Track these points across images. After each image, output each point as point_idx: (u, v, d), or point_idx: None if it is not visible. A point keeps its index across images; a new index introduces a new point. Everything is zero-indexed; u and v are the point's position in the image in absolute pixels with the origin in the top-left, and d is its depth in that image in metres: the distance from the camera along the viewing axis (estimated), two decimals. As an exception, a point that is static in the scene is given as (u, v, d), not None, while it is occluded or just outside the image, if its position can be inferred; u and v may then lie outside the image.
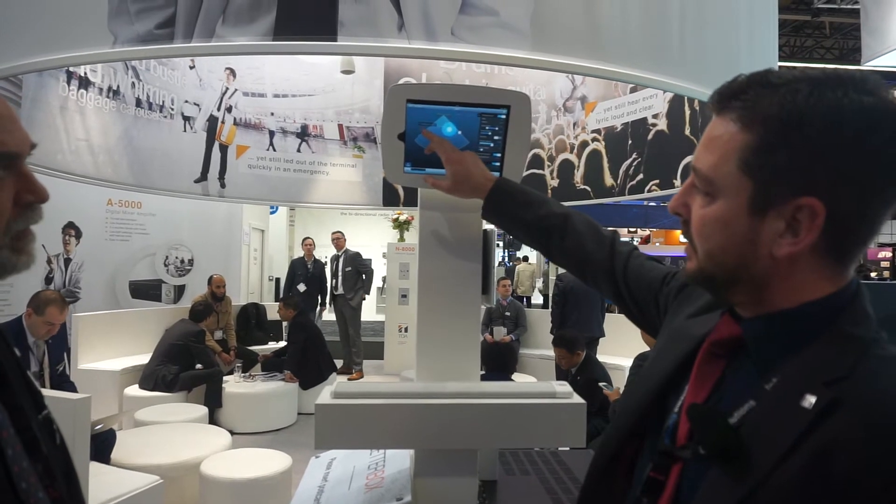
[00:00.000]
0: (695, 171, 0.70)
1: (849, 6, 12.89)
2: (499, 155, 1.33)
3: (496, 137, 1.30)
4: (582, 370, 4.23)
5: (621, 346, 5.82)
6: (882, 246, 18.10)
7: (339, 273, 7.63)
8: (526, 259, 19.22)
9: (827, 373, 0.60)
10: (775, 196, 0.63)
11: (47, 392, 3.01)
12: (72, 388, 3.63)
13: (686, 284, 0.93)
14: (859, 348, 0.61)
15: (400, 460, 1.47)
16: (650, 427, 0.78)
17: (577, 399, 1.28)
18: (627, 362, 3.45)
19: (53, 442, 0.83)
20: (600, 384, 3.69)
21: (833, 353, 0.62)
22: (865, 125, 0.61)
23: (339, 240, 7.77)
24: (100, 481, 2.87)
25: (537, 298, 17.47)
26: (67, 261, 6.29)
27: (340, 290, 7.59)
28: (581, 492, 0.85)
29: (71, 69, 4.58)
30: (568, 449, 1.86)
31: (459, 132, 1.29)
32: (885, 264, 17.69)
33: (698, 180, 0.70)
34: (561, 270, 7.84)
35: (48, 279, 6.02)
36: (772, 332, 0.67)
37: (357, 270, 7.59)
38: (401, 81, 5.40)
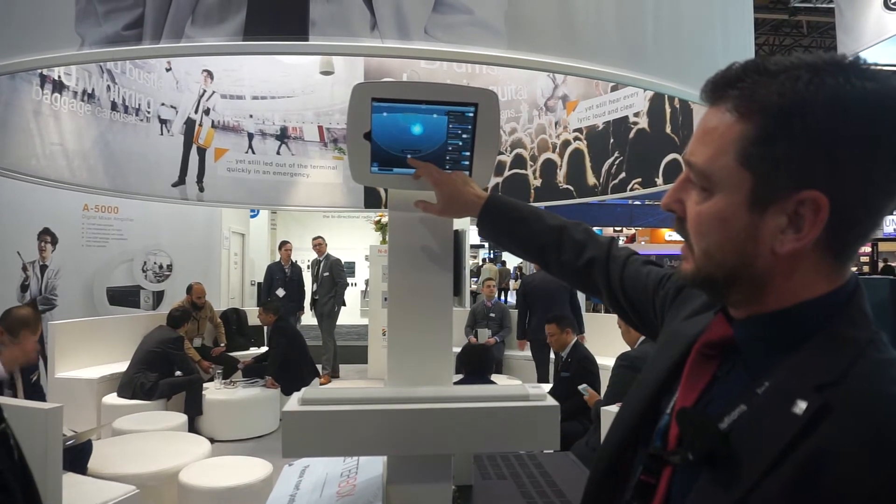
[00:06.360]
0: (689, 165, 0.67)
1: (825, 5, 13.04)
2: (468, 154, 1.30)
3: (465, 136, 1.27)
4: (574, 353, 4.35)
5: (604, 346, 5.82)
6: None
7: (319, 278, 7.57)
8: (504, 263, 19.77)
9: (818, 377, 0.57)
10: (777, 189, 0.60)
11: (20, 402, 2.94)
12: (41, 398, 3.55)
13: (683, 286, 0.89)
14: (854, 351, 0.58)
15: (373, 467, 1.44)
16: (645, 431, 0.75)
17: (551, 401, 1.26)
18: (610, 361, 3.45)
19: (11, 457, 0.80)
20: (579, 388, 3.71)
21: (826, 356, 0.59)
22: (869, 112, 0.57)
23: (319, 245, 7.70)
24: (75, 491, 2.81)
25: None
26: (43, 268, 6.17)
27: (319, 296, 7.54)
28: (581, 501, 0.82)
29: (44, 73, 4.49)
30: (551, 452, 1.84)
31: (427, 131, 1.26)
32: (864, 259, 17.91)
33: (694, 175, 0.66)
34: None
35: (24, 287, 5.91)
36: (764, 333, 0.64)
37: (333, 279, 7.53)
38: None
